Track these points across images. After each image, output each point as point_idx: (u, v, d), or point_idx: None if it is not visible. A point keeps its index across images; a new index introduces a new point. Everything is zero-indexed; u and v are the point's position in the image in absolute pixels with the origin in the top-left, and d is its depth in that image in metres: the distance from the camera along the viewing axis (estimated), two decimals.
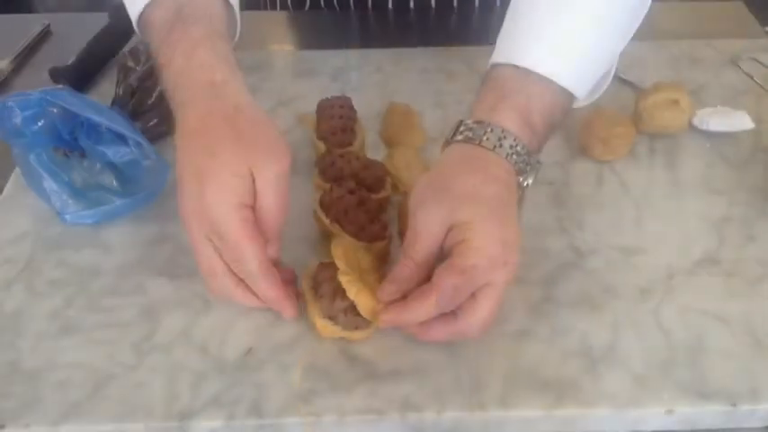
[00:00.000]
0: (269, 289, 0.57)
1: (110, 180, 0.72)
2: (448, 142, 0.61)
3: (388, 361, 0.57)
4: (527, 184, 0.59)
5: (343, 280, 0.56)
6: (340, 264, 0.57)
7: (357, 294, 0.56)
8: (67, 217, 0.69)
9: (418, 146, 0.77)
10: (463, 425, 0.55)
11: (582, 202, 0.72)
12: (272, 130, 0.59)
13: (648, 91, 0.79)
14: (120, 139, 0.69)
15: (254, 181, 0.56)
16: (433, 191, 0.56)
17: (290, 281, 0.61)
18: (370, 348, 0.58)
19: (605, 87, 0.68)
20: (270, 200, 0.57)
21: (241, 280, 0.58)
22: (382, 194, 0.69)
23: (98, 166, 0.72)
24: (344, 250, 0.59)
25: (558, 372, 0.57)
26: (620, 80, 0.86)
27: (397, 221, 0.69)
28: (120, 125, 0.67)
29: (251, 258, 0.56)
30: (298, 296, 0.60)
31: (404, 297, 0.55)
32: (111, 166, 0.72)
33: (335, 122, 0.75)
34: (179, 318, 0.61)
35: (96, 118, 0.68)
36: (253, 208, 0.57)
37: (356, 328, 0.57)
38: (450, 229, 0.54)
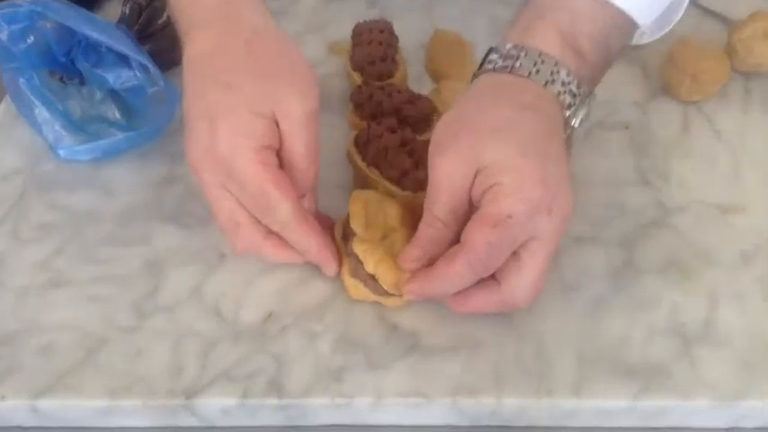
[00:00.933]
0: (308, 237, 0.48)
1: (112, 111, 0.63)
2: (475, 75, 0.50)
3: (435, 332, 0.48)
4: (576, 123, 0.48)
5: (359, 249, 0.46)
6: (357, 226, 0.47)
7: (377, 266, 0.46)
8: (61, 152, 0.59)
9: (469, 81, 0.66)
10: (527, 414, 0.45)
11: (666, 149, 0.60)
12: (299, 59, 0.49)
13: (744, 21, 0.66)
14: (123, 61, 0.59)
15: (276, 122, 0.46)
16: (453, 131, 0.46)
17: (329, 229, 0.52)
18: (414, 316, 0.48)
19: (676, 20, 0.57)
20: (298, 144, 0.47)
21: (271, 231, 0.48)
22: (429, 135, 0.58)
23: (99, 94, 0.63)
24: (365, 204, 0.49)
25: (644, 353, 0.47)
26: (702, 11, 0.74)
27: None
28: (123, 44, 0.57)
29: (281, 204, 0.46)
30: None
31: (431, 263, 0.46)
32: (114, 95, 0.62)
33: (374, 50, 0.64)
34: (188, 273, 0.52)
35: (95, 35, 0.57)
36: (277, 153, 0.47)
37: (388, 293, 0.48)
38: (476, 174, 0.44)
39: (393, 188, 0.53)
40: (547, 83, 0.46)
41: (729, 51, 0.66)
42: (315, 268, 0.51)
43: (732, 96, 0.65)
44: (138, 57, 0.57)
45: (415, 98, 0.59)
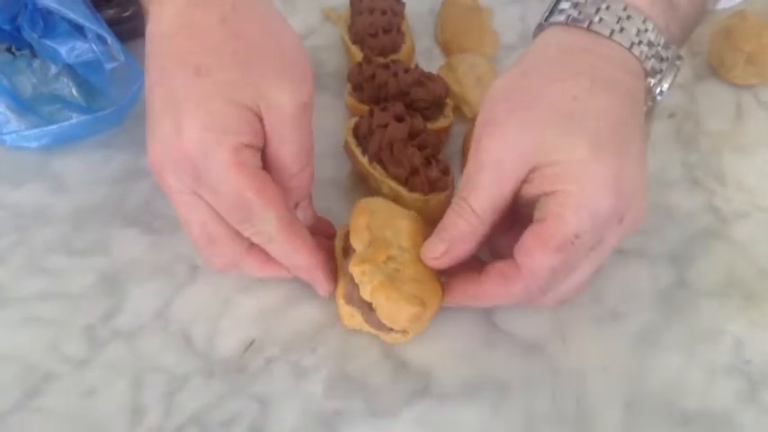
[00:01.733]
0: (297, 253, 0.40)
1: (69, 89, 0.53)
2: (541, 27, 0.42)
3: (451, 371, 0.40)
4: (661, 92, 0.40)
5: (356, 271, 0.38)
6: (356, 242, 0.39)
7: (375, 293, 0.37)
8: (7, 138, 0.50)
9: (488, 55, 0.57)
10: None
11: (718, 142, 0.51)
12: (289, 38, 0.40)
13: None
14: (78, 30, 0.49)
15: (259, 115, 0.38)
16: (508, 106, 0.38)
17: (328, 236, 0.43)
18: (425, 350, 0.40)
19: None
20: (289, 143, 0.39)
21: (254, 243, 0.40)
22: (442, 122, 0.50)
23: (54, 68, 0.53)
24: (371, 216, 0.40)
25: (704, 398, 0.39)
26: None
27: (460, 160, 0.50)
28: (76, 12, 0.47)
29: (265, 215, 0.38)
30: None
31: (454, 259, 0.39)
32: (73, 69, 0.52)
33: (376, 19, 0.54)
34: (152, 291, 0.43)
35: (44, 0, 0.48)
36: (260, 153, 0.39)
37: (388, 328, 0.39)
38: (533, 170, 0.37)
39: (399, 188, 0.44)
40: (632, 45, 0.39)
41: None
42: (306, 285, 0.42)
43: None
44: (93, 26, 0.47)
45: (425, 78, 0.50)
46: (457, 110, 0.52)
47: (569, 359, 0.40)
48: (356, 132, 0.47)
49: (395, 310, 0.37)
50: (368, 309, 0.39)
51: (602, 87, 0.38)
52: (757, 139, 0.52)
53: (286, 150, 0.39)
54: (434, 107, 0.50)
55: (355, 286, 0.39)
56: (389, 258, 0.38)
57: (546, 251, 0.36)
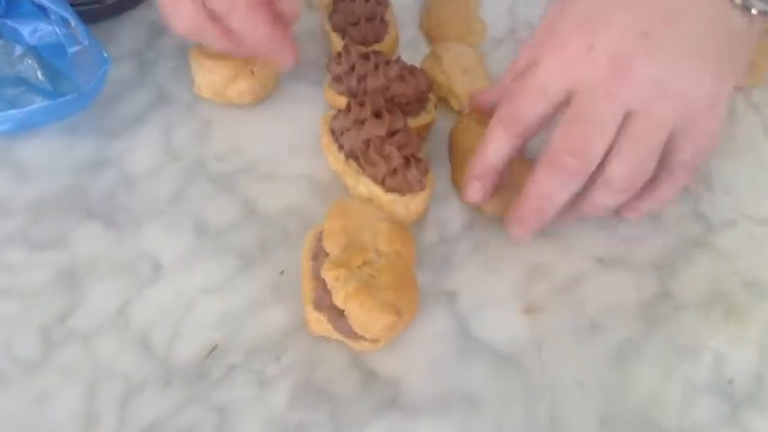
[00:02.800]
0: (256, 26, 0.42)
1: (34, 71, 0.51)
2: None
3: (422, 382, 0.38)
4: (757, 12, 0.38)
5: (330, 276, 0.36)
6: (331, 245, 0.37)
7: (348, 300, 0.36)
8: None
9: (475, 44, 0.55)
10: None
11: None
12: None
13: None
14: (42, 10, 0.47)
15: None
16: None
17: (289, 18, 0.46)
18: (395, 360, 0.38)
19: None
20: None
21: (216, 15, 0.42)
22: (424, 118, 0.48)
23: (18, 50, 0.50)
24: (347, 218, 0.38)
25: (682, 416, 0.37)
26: None
27: (449, 158, 0.48)
28: None
29: None
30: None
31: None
32: (37, 52, 0.50)
33: (359, 6, 0.52)
34: (112, 289, 0.41)
35: None
36: None
37: (358, 336, 0.37)
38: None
39: (375, 188, 0.42)
40: None
41: None
42: (272, 290, 0.40)
43: None
44: (56, 8, 0.44)
45: (407, 72, 0.48)
46: (442, 101, 0.50)
47: (544, 372, 0.38)
48: (333, 128, 0.45)
49: (369, 318, 0.36)
50: (338, 315, 0.37)
51: (676, 17, 0.37)
52: (747, 143, 0.50)
53: None
54: (416, 102, 0.48)
55: (326, 292, 0.37)
56: (365, 263, 0.37)
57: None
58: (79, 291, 0.41)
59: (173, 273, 0.41)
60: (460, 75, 0.50)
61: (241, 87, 0.48)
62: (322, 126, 0.45)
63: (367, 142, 0.42)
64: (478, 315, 0.40)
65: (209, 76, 0.49)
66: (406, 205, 0.42)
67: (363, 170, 0.43)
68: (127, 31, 0.54)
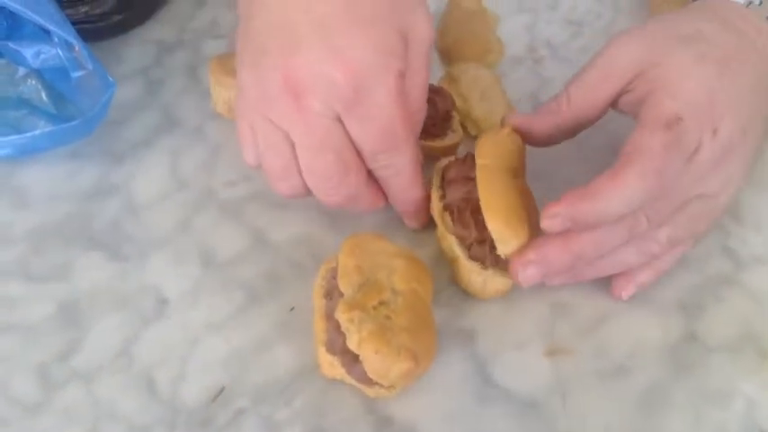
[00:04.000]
0: (416, 187, 0.40)
1: (38, 93, 0.49)
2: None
3: (438, 429, 0.36)
4: None
5: (344, 318, 0.34)
6: (344, 285, 0.35)
7: (363, 344, 0.34)
8: None
9: (492, 64, 0.53)
10: None
11: None
12: None
13: None
14: (46, 33, 0.45)
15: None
16: (641, 26, 0.41)
17: None
18: (411, 406, 0.36)
19: None
20: (421, 75, 0.39)
21: (372, 177, 0.40)
22: (451, 139, 0.46)
23: (21, 69, 0.49)
24: (362, 254, 0.36)
25: None
26: None
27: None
28: (41, 13, 0.43)
29: (404, 149, 0.38)
30: None
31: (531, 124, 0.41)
32: (41, 73, 0.48)
33: None
34: (116, 325, 0.39)
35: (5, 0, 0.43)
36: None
37: (372, 381, 0.35)
38: (637, 75, 0.39)
39: (458, 250, 0.40)
40: (750, 3, 0.41)
41: None
42: (281, 327, 0.39)
43: None
44: (59, 30, 0.43)
45: (431, 91, 0.45)
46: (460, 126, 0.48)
47: (569, 419, 0.36)
48: (444, 173, 0.42)
49: (384, 365, 0.34)
50: (352, 359, 0.35)
51: (728, 29, 0.39)
52: None
53: (418, 81, 0.38)
54: (440, 122, 0.46)
55: (340, 333, 0.35)
56: (381, 303, 0.35)
57: (656, 131, 0.35)
58: (81, 327, 0.39)
59: (178, 308, 0.40)
60: (478, 99, 0.49)
61: None
62: (436, 169, 0.43)
63: (466, 201, 0.40)
64: (498, 357, 0.38)
65: (226, 93, 0.47)
66: (485, 280, 0.39)
67: (454, 228, 0.40)
68: (133, 50, 0.53)
